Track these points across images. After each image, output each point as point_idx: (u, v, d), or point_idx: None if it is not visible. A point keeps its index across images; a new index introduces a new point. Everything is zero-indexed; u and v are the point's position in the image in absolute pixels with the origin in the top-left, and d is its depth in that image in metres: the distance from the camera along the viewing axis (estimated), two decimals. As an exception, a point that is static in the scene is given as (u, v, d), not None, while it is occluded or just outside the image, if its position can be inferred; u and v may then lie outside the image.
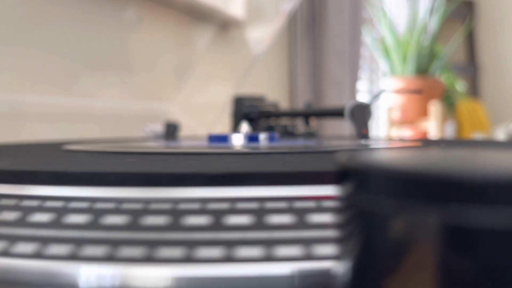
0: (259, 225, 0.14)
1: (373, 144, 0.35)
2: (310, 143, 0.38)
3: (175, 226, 0.14)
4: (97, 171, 0.16)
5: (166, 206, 0.15)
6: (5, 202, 0.16)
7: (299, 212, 0.14)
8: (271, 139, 0.40)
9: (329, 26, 1.39)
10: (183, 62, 0.93)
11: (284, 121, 0.61)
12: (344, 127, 1.35)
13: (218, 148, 0.31)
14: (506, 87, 2.13)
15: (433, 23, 1.67)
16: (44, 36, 0.63)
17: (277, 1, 1.16)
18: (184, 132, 0.74)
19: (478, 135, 1.56)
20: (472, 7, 2.20)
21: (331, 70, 1.39)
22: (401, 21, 1.76)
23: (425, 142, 0.42)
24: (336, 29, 1.40)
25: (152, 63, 0.84)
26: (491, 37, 2.18)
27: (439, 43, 1.74)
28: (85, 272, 0.12)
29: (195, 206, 0.15)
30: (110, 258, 0.13)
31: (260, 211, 0.14)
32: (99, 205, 0.15)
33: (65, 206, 0.15)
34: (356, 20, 1.47)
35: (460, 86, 1.82)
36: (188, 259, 0.12)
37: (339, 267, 0.10)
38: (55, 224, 0.14)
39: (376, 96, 0.46)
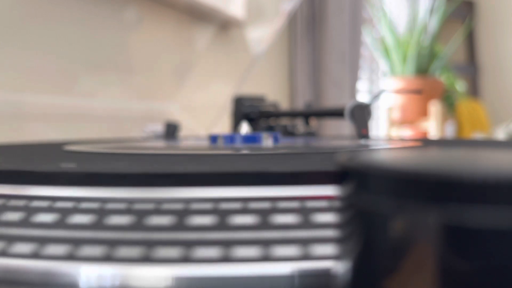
0: (259, 225, 0.14)
1: (373, 144, 0.35)
2: (311, 143, 0.38)
3: (174, 226, 0.14)
4: (97, 172, 0.16)
5: (166, 206, 0.15)
6: (5, 202, 0.16)
7: (299, 212, 0.14)
8: (254, 139, 0.40)
9: (329, 26, 1.39)
10: (183, 62, 0.93)
11: (284, 121, 0.61)
12: (344, 127, 1.35)
13: (218, 148, 0.31)
14: (506, 87, 2.13)
15: (433, 23, 1.67)
16: (44, 36, 0.63)
17: (277, 1, 1.16)
18: (184, 132, 0.74)
19: (478, 135, 1.56)
20: (472, 7, 2.20)
21: (331, 70, 1.39)
22: (401, 21, 1.76)
23: (425, 142, 0.42)
24: (336, 29, 1.40)
25: (152, 63, 0.84)
26: (491, 37, 2.18)
27: (439, 43, 1.74)
28: (85, 272, 0.12)
29: (195, 206, 0.15)
30: (109, 258, 0.13)
31: (259, 211, 0.14)
32: (99, 205, 0.15)
33: (65, 207, 0.15)
34: (356, 20, 1.47)
35: (460, 86, 1.82)
36: (188, 259, 0.12)
37: (339, 267, 0.10)
38: (55, 224, 0.14)
39: (376, 96, 0.46)
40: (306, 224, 0.14)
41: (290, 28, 1.37)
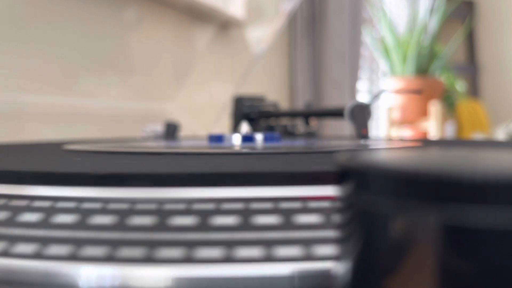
0: (259, 226, 0.14)
1: (373, 144, 0.35)
2: (311, 143, 0.38)
3: (174, 226, 0.14)
4: (96, 172, 0.16)
5: (166, 206, 0.15)
6: (5, 202, 0.16)
7: (299, 212, 0.14)
8: (272, 139, 0.40)
9: (329, 26, 1.39)
10: (183, 62, 0.93)
11: (284, 121, 0.61)
12: (344, 127, 1.35)
13: (219, 148, 0.31)
14: (506, 87, 2.13)
15: (433, 23, 1.67)
16: (44, 36, 0.63)
17: (277, 1, 1.16)
18: (184, 132, 0.74)
19: (478, 135, 1.56)
20: (472, 7, 2.20)
21: (331, 70, 1.39)
22: (401, 21, 1.76)
23: (425, 142, 0.42)
24: (336, 29, 1.40)
25: (152, 63, 0.84)
26: (491, 37, 2.18)
27: (439, 43, 1.74)
28: (85, 273, 0.12)
29: (195, 206, 0.15)
30: (110, 259, 0.13)
31: (260, 211, 0.14)
32: (99, 206, 0.15)
33: (65, 207, 0.15)
34: (356, 20, 1.47)
35: (460, 86, 1.82)
36: (188, 259, 0.12)
37: (339, 267, 0.10)
38: (55, 224, 0.14)
39: (376, 96, 0.46)
40: (306, 224, 0.14)
41: (290, 28, 1.37)
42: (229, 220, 0.14)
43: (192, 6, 0.89)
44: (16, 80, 0.60)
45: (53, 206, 0.15)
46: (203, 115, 0.97)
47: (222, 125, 0.96)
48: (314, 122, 0.62)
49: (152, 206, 0.15)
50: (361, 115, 0.42)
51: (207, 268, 0.12)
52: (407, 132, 1.63)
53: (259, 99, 0.64)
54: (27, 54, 0.61)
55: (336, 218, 0.14)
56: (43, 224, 0.14)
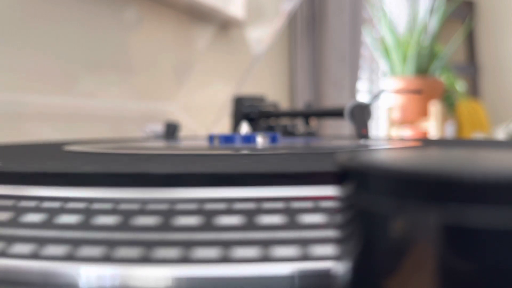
0: (259, 225, 0.14)
1: (373, 144, 0.35)
2: (311, 143, 0.38)
3: (174, 226, 0.14)
4: (96, 172, 0.16)
5: (165, 206, 0.15)
6: (5, 202, 0.16)
7: (299, 212, 0.14)
8: (273, 139, 0.40)
9: (329, 26, 1.39)
10: (183, 62, 0.93)
11: (284, 121, 0.61)
12: (344, 127, 1.35)
13: (219, 148, 0.31)
14: (506, 87, 2.13)
15: (433, 23, 1.67)
16: (44, 36, 0.63)
17: (277, 1, 1.16)
18: (184, 132, 0.74)
19: (478, 135, 1.56)
20: (472, 7, 2.20)
21: (331, 70, 1.39)
22: (401, 21, 1.76)
23: (425, 142, 0.42)
24: (336, 29, 1.40)
25: (152, 63, 0.84)
26: (491, 37, 2.18)
27: (439, 43, 1.74)
28: (84, 273, 0.12)
29: (194, 206, 0.15)
30: (109, 259, 0.13)
31: (259, 211, 0.14)
32: (98, 206, 0.15)
33: (65, 207, 0.15)
34: (356, 20, 1.47)
35: (460, 86, 1.82)
36: (187, 260, 0.12)
37: (339, 267, 0.10)
38: (55, 224, 0.14)
39: (376, 96, 0.46)
40: (306, 224, 0.14)
41: (290, 28, 1.37)
42: (229, 220, 0.14)
43: (192, 6, 0.89)
44: (16, 80, 0.60)
45: (53, 206, 0.15)
46: (203, 115, 0.97)
47: (222, 125, 0.96)
48: (314, 122, 0.62)
49: (152, 206, 0.15)
50: (361, 115, 0.42)
51: (207, 268, 0.12)
52: (407, 132, 1.63)
53: (259, 99, 0.64)
54: (27, 54, 0.61)
55: (336, 218, 0.14)
56: (43, 224, 0.14)
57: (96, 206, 0.15)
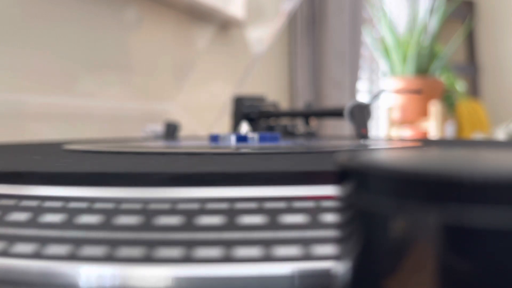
0: (259, 225, 0.14)
1: (373, 144, 0.35)
2: (311, 143, 0.38)
3: (174, 226, 0.14)
4: (96, 171, 0.16)
5: (166, 206, 0.15)
6: (5, 202, 0.16)
7: (299, 212, 0.14)
8: (273, 139, 0.40)
9: (329, 26, 1.39)
10: (183, 62, 0.93)
11: (284, 121, 0.61)
12: (344, 127, 1.35)
13: (219, 148, 0.31)
14: (506, 87, 2.13)
15: (433, 23, 1.67)
16: (44, 36, 0.63)
17: (277, 1, 1.16)
18: (184, 132, 0.74)
19: (478, 135, 1.56)
20: (472, 7, 2.20)
21: (331, 70, 1.39)
22: (401, 21, 1.76)
23: (425, 142, 0.42)
24: (336, 29, 1.40)
25: (152, 63, 0.84)
26: (491, 37, 2.18)
27: (439, 43, 1.73)
28: (85, 272, 0.12)
29: (194, 206, 0.15)
30: (110, 258, 0.13)
31: (259, 211, 0.14)
32: (99, 205, 0.15)
33: (65, 207, 0.15)
34: (356, 20, 1.47)
35: (460, 86, 1.82)
36: (188, 259, 0.12)
37: (339, 267, 0.10)
38: (55, 224, 0.14)
39: (376, 96, 0.46)
40: (306, 224, 0.14)
41: (290, 28, 1.37)
42: (229, 220, 0.14)
43: (192, 6, 0.89)
44: (16, 80, 0.60)
45: (52, 206, 0.15)
46: (203, 115, 0.97)
47: (222, 125, 0.96)
48: (314, 122, 0.62)
49: (153, 206, 0.15)
50: (361, 115, 0.42)
51: (207, 268, 0.12)
52: (407, 132, 1.63)
53: (259, 99, 0.64)
54: (27, 54, 0.61)
55: (336, 218, 0.14)
56: (43, 223, 0.14)
57: (97, 205, 0.15)
